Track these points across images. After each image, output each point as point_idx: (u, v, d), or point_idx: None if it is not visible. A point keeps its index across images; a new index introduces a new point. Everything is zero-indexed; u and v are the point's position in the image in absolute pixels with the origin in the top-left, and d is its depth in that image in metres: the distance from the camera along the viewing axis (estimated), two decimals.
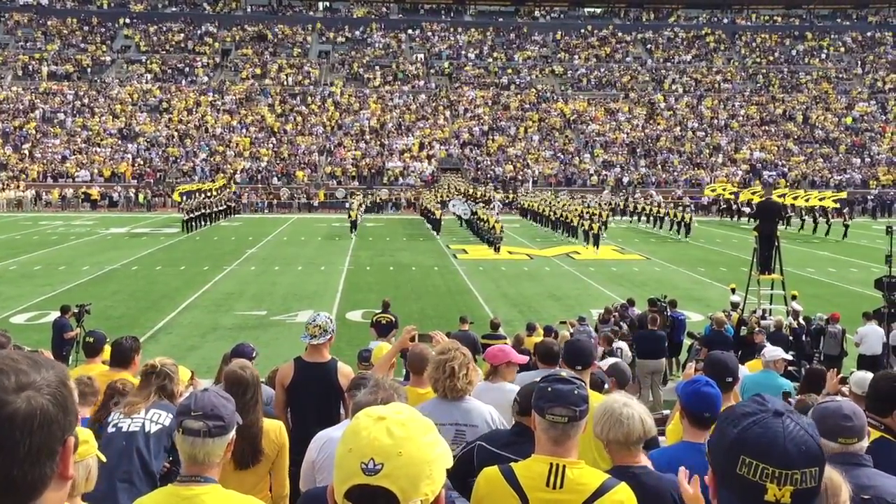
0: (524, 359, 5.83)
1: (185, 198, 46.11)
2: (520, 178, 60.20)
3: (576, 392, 2.92)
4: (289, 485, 4.39)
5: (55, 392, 1.31)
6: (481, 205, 44.20)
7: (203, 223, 42.20)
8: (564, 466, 2.88)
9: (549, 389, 2.93)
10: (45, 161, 58.71)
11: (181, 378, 5.91)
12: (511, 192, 57.22)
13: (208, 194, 48.19)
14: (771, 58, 78.33)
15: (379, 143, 63.63)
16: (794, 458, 1.54)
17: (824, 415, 3.22)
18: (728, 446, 1.60)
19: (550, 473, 2.87)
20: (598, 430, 3.32)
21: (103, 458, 3.14)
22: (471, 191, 52.14)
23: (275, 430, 4.33)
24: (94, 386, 4.98)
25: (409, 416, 1.58)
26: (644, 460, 3.35)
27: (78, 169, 57.81)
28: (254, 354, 6.78)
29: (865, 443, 3.19)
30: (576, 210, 40.43)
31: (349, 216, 39.80)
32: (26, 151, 59.52)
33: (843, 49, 79.62)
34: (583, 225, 36.63)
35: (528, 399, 3.24)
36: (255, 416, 4.27)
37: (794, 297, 15.67)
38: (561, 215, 40.95)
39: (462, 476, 3.46)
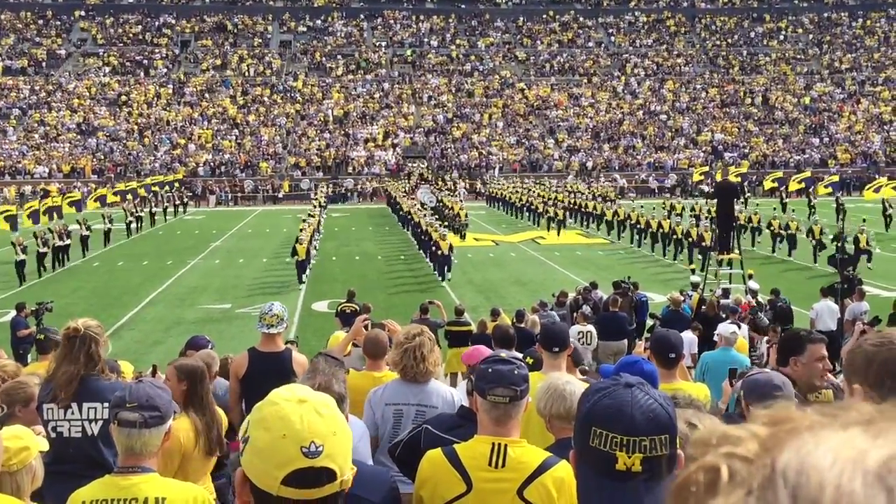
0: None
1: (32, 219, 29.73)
2: (484, 164, 60.26)
3: (516, 372, 2.94)
4: None
5: None
6: (446, 192, 44.27)
7: (63, 258, 27.79)
8: (506, 446, 2.90)
9: (490, 371, 2.95)
10: (1, 157, 57.54)
11: (124, 371, 5.86)
12: (477, 179, 57.28)
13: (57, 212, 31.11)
14: (730, 40, 79.08)
15: (343, 132, 63.28)
16: (641, 426, 1.56)
17: (755, 385, 3.31)
18: (581, 420, 1.64)
19: (493, 453, 2.90)
20: (542, 406, 3.38)
21: (45, 447, 3.12)
22: (438, 181, 52.16)
23: (223, 416, 4.39)
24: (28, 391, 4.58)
25: (321, 395, 1.64)
26: None
27: (36, 165, 56.76)
28: (210, 347, 6.76)
29: None
30: (539, 196, 40.59)
31: (294, 253, 24.61)
32: None
33: (800, 30, 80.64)
34: (546, 211, 36.79)
35: None
36: (212, 403, 4.33)
37: (750, 276, 15.95)
38: (526, 201, 41.11)
39: (409, 460, 3.49)
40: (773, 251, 28.69)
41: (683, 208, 36.92)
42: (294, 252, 24.54)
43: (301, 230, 26.91)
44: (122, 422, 2.75)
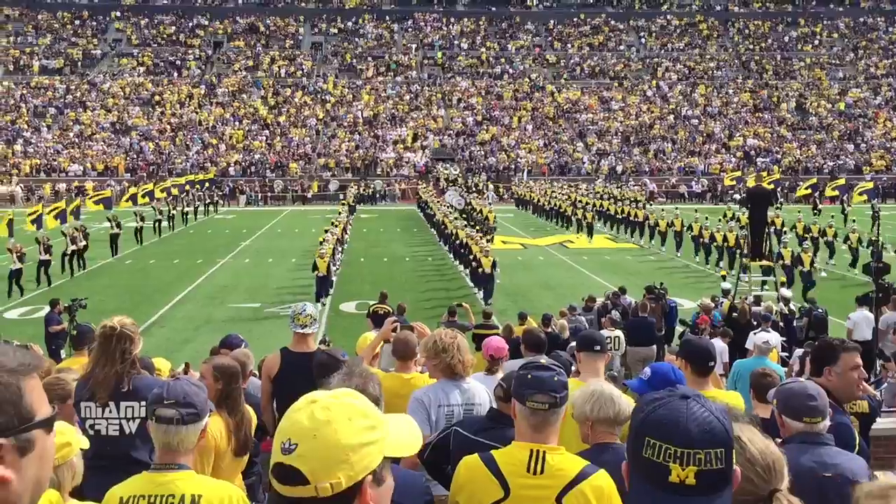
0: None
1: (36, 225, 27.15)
2: (513, 168, 60.14)
3: (556, 379, 2.92)
4: None
5: None
6: (474, 195, 44.24)
7: (80, 261, 26.45)
8: (545, 452, 2.88)
9: (530, 377, 2.93)
10: (37, 156, 58.49)
11: (161, 368, 5.89)
12: (504, 182, 57.16)
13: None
14: (764, 44, 78.23)
15: (372, 134, 63.49)
16: (696, 438, 1.54)
17: (789, 395, 3.26)
18: (635, 430, 1.62)
19: (531, 460, 2.88)
20: (588, 410, 3.36)
21: (86, 445, 3.14)
22: (466, 181, 52.14)
23: (253, 415, 4.41)
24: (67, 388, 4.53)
25: (341, 402, 1.58)
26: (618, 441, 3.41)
27: (70, 163, 57.61)
28: (243, 346, 6.78)
29: (828, 422, 3.25)
30: (569, 199, 40.37)
31: (315, 268, 21.77)
32: (18, 146, 59.27)
33: (835, 35, 79.56)
34: (576, 214, 36.59)
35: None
36: (243, 402, 4.34)
37: (783, 284, 15.73)
38: (555, 205, 40.92)
39: (437, 463, 3.47)
40: (854, 266, 25.49)
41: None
42: (315, 267, 21.81)
43: (323, 241, 24.04)
44: (160, 418, 2.77)
